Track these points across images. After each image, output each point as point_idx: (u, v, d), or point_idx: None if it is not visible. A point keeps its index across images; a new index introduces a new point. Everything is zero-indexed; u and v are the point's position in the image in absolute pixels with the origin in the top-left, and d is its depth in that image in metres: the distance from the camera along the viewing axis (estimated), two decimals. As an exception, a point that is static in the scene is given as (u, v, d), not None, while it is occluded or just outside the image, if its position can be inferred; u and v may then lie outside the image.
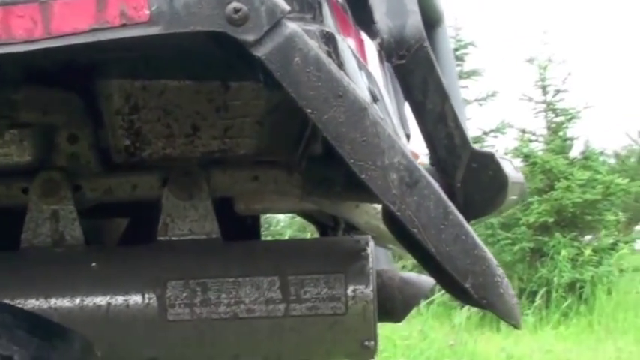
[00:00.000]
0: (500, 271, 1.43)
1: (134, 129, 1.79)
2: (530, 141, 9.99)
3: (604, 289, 8.52)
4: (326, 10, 1.49)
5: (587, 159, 9.68)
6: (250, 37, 1.34)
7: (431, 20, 2.03)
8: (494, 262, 1.43)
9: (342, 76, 1.37)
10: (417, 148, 2.08)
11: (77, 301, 1.73)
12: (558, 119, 9.97)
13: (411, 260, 4.85)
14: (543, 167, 9.28)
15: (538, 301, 8.43)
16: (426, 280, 2.01)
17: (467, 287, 1.41)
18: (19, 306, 1.69)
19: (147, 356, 1.76)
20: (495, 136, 10.62)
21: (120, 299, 1.73)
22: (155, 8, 1.32)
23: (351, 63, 1.49)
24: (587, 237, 9.53)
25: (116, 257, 1.84)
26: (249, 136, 1.80)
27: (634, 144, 15.98)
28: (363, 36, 1.86)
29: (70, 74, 1.69)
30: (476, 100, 10.82)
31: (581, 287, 8.60)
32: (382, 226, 1.68)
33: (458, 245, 1.40)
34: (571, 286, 8.66)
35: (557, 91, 9.99)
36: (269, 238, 9.33)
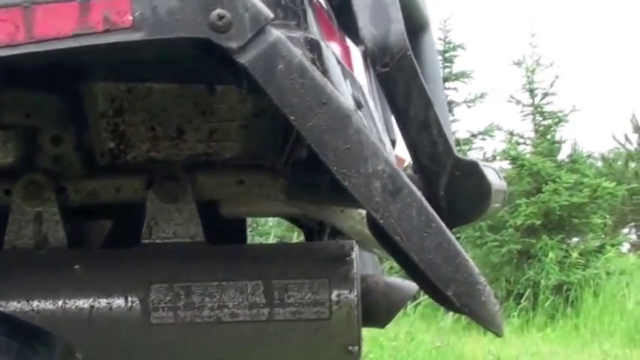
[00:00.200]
0: (482, 279, 1.44)
1: (119, 131, 1.78)
2: (519, 143, 10.01)
3: (591, 291, 8.54)
4: (310, 16, 1.49)
5: (575, 162, 9.71)
6: (234, 44, 1.34)
7: (416, 25, 2.03)
8: (477, 270, 1.43)
9: (326, 83, 1.37)
10: (402, 153, 2.08)
11: (59, 304, 1.72)
12: (546, 122, 10.00)
13: (397, 262, 4.86)
14: (531, 170, 9.30)
15: (525, 303, 8.45)
16: (411, 285, 2.01)
17: (449, 295, 1.41)
18: (0, 309, 1.68)
19: None
20: (484, 139, 10.64)
21: (103, 302, 1.72)
22: (138, 14, 1.32)
23: (335, 70, 1.49)
24: (575, 239, 9.55)
25: (99, 260, 1.84)
26: (234, 139, 1.80)
27: (621, 147, 16.03)
28: (349, 42, 1.86)
29: (54, 76, 1.69)
30: (464, 102, 10.84)
31: (568, 290, 8.62)
32: (367, 231, 1.68)
33: (440, 253, 1.41)
34: (558, 289, 8.68)
35: (545, 95, 10.01)
36: (257, 237, 9.33)
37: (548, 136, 9.91)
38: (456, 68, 10.83)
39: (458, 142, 9.05)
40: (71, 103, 1.77)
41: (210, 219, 1.88)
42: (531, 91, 10.01)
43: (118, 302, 1.72)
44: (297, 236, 7.75)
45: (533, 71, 9.98)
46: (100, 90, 1.75)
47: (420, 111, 1.64)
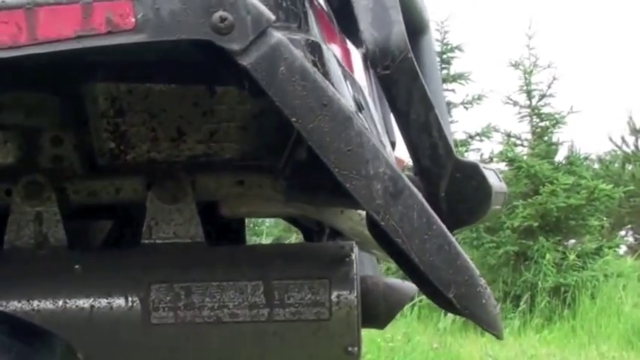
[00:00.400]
0: (482, 281, 1.44)
1: (119, 132, 1.79)
2: (516, 145, 10.01)
3: (588, 294, 8.54)
4: (312, 19, 1.50)
5: (572, 164, 9.71)
6: (236, 46, 1.34)
7: (416, 28, 2.03)
8: (477, 272, 1.44)
9: (327, 85, 1.37)
10: (402, 154, 2.08)
11: (60, 303, 1.72)
12: (543, 124, 10.00)
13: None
14: (528, 171, 9.30)
15: (522, 305, 8.45)
16: (410, 286, 2.01)
17: (449, 297, 1.42)
18: (0, 309, 1.69)
19: None
20: (481, 140, 10.63)
21: (103, 302, 1.72)
22: (141, 16, 1.33)
23: (336, 72, 1.50)
24: (572, 241, 9.56)
25: (99, 260, 1.84)
26: (234, 140, 1.81)
27: (618, 149, 16.02)
28: (349, 44, 1.87)
29: (55, 77, 1.69)
30: (462, 103, 10.83)
31: (565, 292, 8.62)
32: (366, 232, 1.69)
33: (441, 255, 1.41)
34: (555, 291, 8.68)
35: (543, 96, 10.02)
36: (254, 237, 9.32)
37: (546, 138, 9.91)
38: (454, 70, 10.82)
39: (455, 144, 9.02)
40: (71, 103, 1.77)
41: (210, 219, 1.89)
42: (528, 93, 10.01)
43: (118, 302, 1.72)
44: (295, 237, 7.74)
45: (530, 73, 9.98)
46: (101, 90, 1.75)
47: (421, 113, 1.65)
